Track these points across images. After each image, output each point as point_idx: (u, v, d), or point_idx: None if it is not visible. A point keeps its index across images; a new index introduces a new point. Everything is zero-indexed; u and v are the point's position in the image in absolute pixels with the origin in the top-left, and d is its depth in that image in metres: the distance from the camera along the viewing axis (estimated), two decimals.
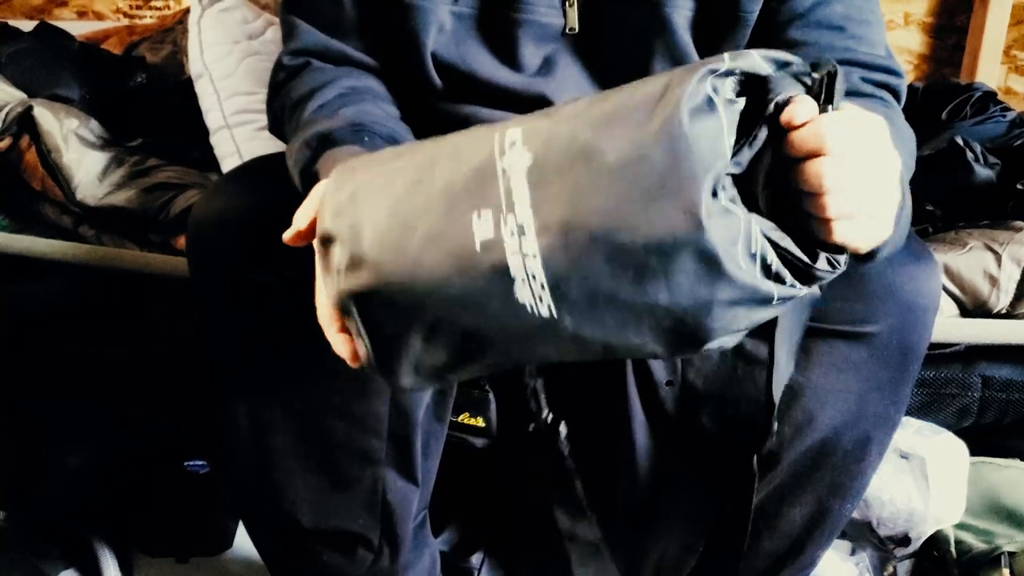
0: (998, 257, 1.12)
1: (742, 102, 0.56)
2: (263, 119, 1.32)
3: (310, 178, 0.80)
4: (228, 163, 1.35)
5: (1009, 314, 1.14)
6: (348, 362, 0.69)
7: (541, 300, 0.58)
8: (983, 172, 1.27)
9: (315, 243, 0.67)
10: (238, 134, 1.34)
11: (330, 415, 0.90)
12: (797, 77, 0.57)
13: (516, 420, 1.11)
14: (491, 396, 1.11)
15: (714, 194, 0.54)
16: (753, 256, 0.56)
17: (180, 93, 1.44)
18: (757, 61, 0.56)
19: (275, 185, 0.86)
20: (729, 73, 0.55)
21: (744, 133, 0.56)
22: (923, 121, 1.47)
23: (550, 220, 0.56)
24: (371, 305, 0.63)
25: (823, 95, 0.57)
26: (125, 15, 1.96)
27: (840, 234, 0.58)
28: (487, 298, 0.59)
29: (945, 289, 1.13)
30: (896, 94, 0.88)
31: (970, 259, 1.13)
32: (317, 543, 0.97)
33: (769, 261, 0.57)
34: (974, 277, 1.13)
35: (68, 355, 1.37)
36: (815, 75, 0.57)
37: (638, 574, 1.00)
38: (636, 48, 0.89)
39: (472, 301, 0.60)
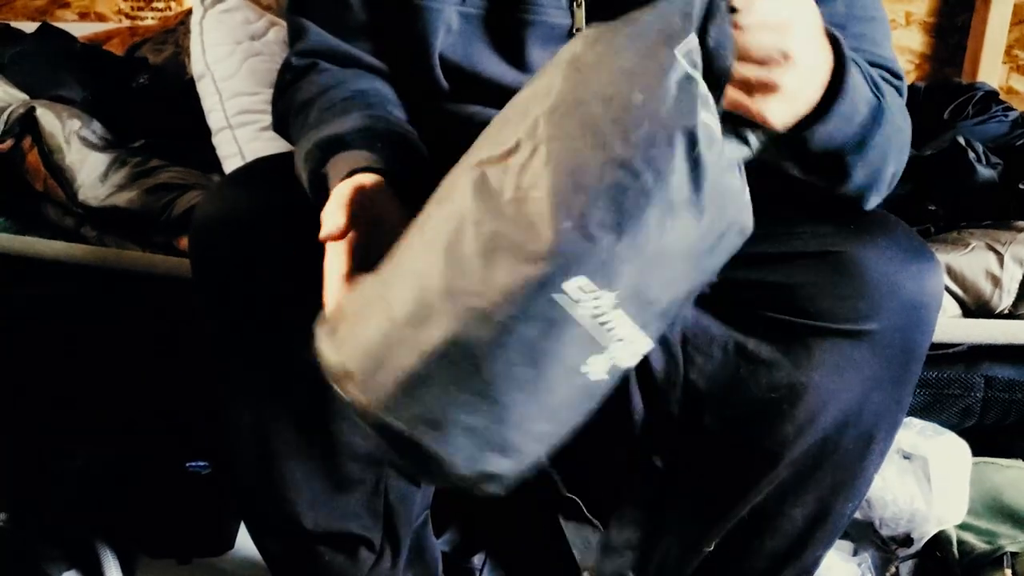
0: (1000, 257, 1.12)
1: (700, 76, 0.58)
2: (265, 119, 1.33)
3: (319, 180, 0.80)
4: (230, 164, 1.35)
5: (1012, 314, 1.14)
6: None
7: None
8: (985, 172, 1.26)
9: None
10: (240, 135, 1.34)
11: (332, 417, 0.90)
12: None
13: None
14: None
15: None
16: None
17: (182, 94, 1.43)
18: (696, 42, 0.58)
19: (278, 186, 0.86)
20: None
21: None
22: (925, 121, 1.47)
23: (652, 323, 0.60)
24: None
25: None
26: (127, 16, 1.96)
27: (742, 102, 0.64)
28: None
29: (948, 289, 1.13)
30: (897, 93, 0.88)
31: (972, 259, 1.13)
32: (319, 544, 0.97)
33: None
34: (976, 277, 1.13)
35: (70, 356, 1.37)
36: None
37: (640, 573, 1.00)
38: None
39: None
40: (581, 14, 0.89)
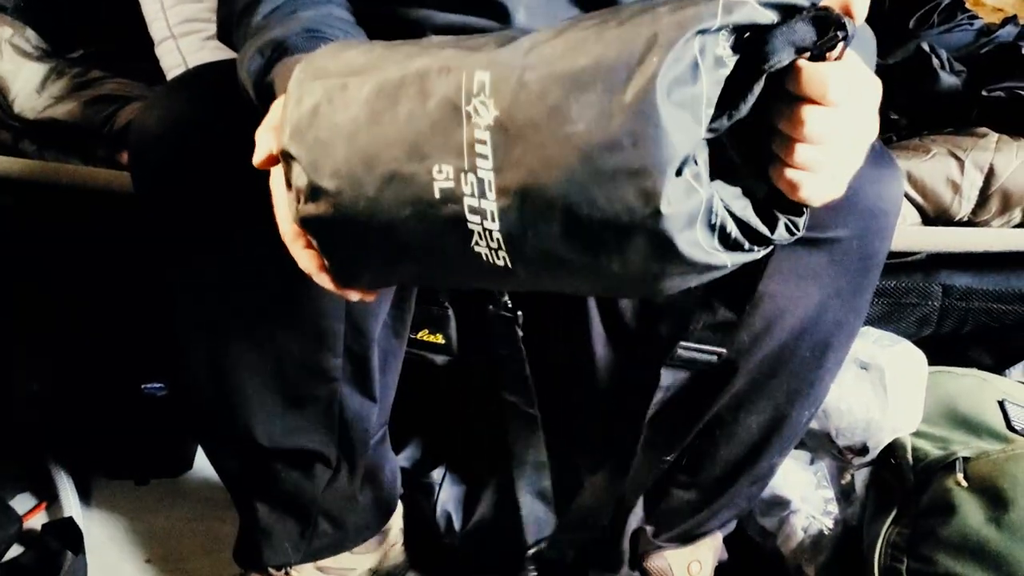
0: (961, 164, 1.11)
1: (732, 63, 0.52)
2: (210, 29, 1.28)
3: (264, 88, 0.76)
4: (174, 75, 1.30)
5: (971, 221, 1.14)
6: (313, 276, 0.68)
7: (496, 254, 0.58)
8: (948, 79, 1.25)
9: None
10: (184, 44, 1.29)
11: (286, 332, 0.88)
12: (812, 20, 0.52)
13: (476, 334, 1.10)
14: (451, 313, 1.09)
15: (679, 172, 0.52)
16: (712, 227, 0.55)
17: (123, 2, 1.37)
18: (756, 11, 0.51)
19: (219, 93, 0.83)
20: (723, 27, 0.51)
21: (729, 90, 0.53)
22: (890, 29, 1.44)
23: (510, 183, 0.55)
24: (329, 233, 0.63)
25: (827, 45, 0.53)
26: None
27: (798, 183, 0.56)
28: (444, 244, 0.59)
29: (907, 196, 1.12)
30: None
31: (933, 166, 1.12)
32: (275, 461, 0.97)
33: (728, 230, 0.56)
34: (936, 184, 1.12)
35: (19, 276, 1.33)
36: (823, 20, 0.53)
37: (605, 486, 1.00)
38: None
39: (429, 244, 0.60)
40: None
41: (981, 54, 1.34)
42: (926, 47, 1.28)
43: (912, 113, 1.28)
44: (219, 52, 1.23)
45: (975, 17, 1.50)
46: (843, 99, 0.54)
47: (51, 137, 1.24)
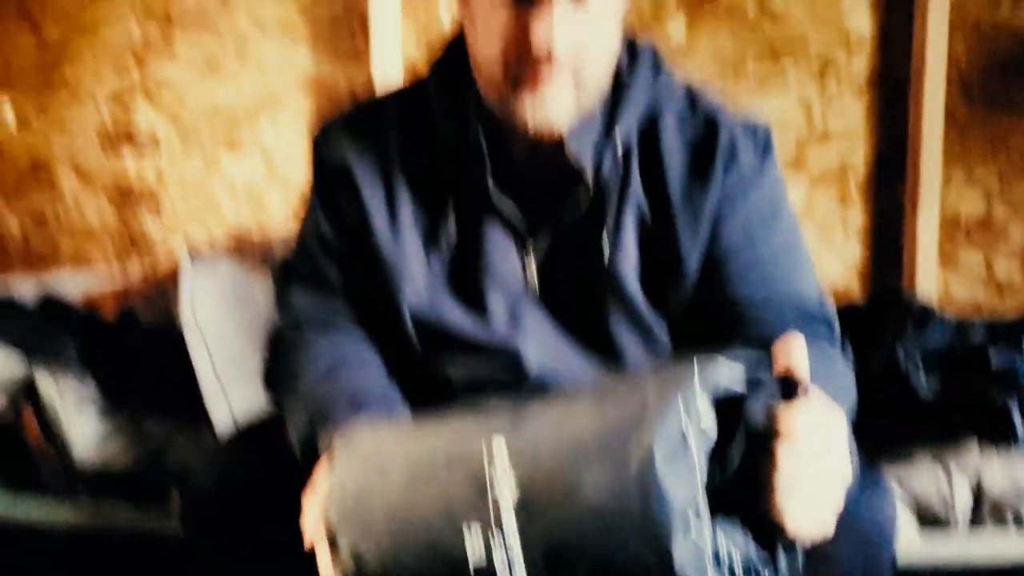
0: (948, 472, 1.17)
1: (714, 426, 0.62)
2: (252, 371, 1.38)
3: (310, 451, 0.86)
4: (219, 417, 1.39)
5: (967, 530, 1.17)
6: None
7: None
8: (925, 388, 1.32)
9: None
10: (229, 389, 1.39)
11: None
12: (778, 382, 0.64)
13: None
14: None
15: (685, 526, 0.60)
16: (720, 565, 0.62)
17: (173, 349, 1.48)
18: (727, 375, 0.62)
19: (268, 450, 0.92)
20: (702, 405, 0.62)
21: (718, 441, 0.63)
22: (867, 339, 1.52)
23: (535, 550, 0.63)
24: None
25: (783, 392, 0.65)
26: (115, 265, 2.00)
27: (784, 511, 0.64)
28: None
29: (903, 503, 1.15)
30: (830, 341, 0.94)
31: (921, 475, 1.17)
32: None
33: (734, 566, 0.63)
34: (927, 492, 1.17)
35: None
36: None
37: None
38: (592, 302, 0.95)
39: None
40: (532, 272, 0.96)
41: (955, 357, 1.41)
42: (901, 355, 1.36)
43: (894, 420, 1.32)
44: (260, 392, 1.31)
45: (945, 319, 1.58)
46: (795, 431, 0.63)
47: (105, 484, 1.31)
